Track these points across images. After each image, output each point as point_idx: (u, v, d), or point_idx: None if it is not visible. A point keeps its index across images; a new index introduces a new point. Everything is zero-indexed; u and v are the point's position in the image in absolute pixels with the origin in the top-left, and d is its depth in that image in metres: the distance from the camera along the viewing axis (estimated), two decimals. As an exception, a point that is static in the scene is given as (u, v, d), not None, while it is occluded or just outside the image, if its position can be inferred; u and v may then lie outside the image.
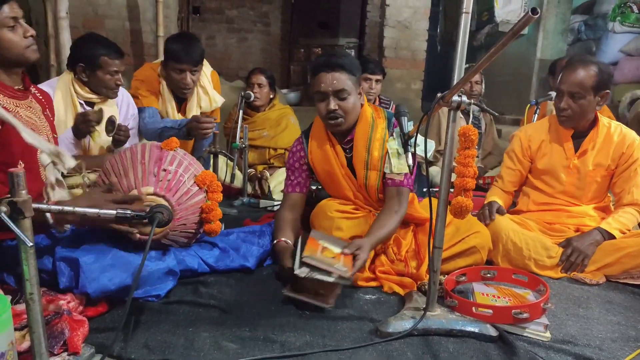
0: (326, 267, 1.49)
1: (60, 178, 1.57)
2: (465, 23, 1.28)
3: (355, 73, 1.89)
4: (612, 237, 1.98)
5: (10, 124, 1.42)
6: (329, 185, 2.07)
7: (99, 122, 2.12)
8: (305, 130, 2.12)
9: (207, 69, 2.94)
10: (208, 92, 2.90)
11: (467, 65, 1.37)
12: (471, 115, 3.37)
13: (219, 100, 2.97)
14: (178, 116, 2.81)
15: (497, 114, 1.74)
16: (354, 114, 1.91)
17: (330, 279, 1.48)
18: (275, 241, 1.83)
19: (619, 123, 2.19)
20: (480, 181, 3.14)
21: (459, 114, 1.41)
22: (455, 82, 1.32)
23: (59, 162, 1.55)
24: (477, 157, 3.42)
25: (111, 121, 2.14)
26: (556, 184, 2.20)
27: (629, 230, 2.01)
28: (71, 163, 1.55)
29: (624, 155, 2.09)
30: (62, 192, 1.61)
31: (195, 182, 1.66)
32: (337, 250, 1.62)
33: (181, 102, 2.87)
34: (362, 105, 1.96)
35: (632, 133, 2.13)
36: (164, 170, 1.61)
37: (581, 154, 2.14)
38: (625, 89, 4.32)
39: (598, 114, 2.15)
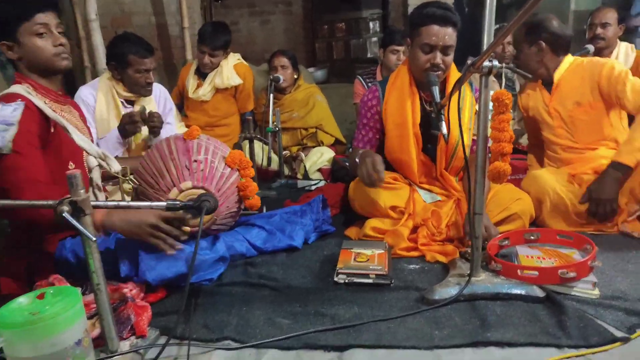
0: (361, 272, 1.57)
1: (101, 185, 1.67)
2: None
3: (459, 28, 1.93)
4: (629, 167, 1.90)
5: (63, 126, 1.52)
6: (395, 142, 2.05)
7: (145, 121, 2.21)
8: (381, 81, 2.16)
9: (232, 59, 3.43)
10: (222, 73, 3.36)
11: (498, 25, 1.35)
12: (504, 79, 3.29)
13: (232, 80, 3.37)
14: (194, 93, 3.35)
15: (530, 76, 1.71)
16: (450, 67, 1.96)
17: (369, 280, 1.56)
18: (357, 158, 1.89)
19: (599, 58, 2.20)
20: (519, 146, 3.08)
21: (492, 77, 1.40)
22: (485, 47, 1.31)
23: (106, 165, 1.65)
24: (514, 119, 3.34)
25: (142, 111, 2.22)
26: (549, 131, 2.27)
27: None
28: (117, 167, 1.65)
29: (602, 83, 2.06)
30: (102, 196, 1.71)
31: (226, 164, 1.72)
32: (369, 252, 1.71)
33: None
34: None
35: (603, 61, 2.10)
36: (195, 161, 1.66)
37: (552, 97, 2.21)
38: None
39: (569, 58, 2.19)
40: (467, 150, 1.91)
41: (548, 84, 2.25)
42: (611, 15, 2.97)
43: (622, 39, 3.10)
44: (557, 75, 2.19)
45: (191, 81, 3.39)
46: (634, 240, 1.85)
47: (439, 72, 1.89)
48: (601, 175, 1.94)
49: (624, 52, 3.03)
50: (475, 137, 1.88)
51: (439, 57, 1.88)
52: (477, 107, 1.91)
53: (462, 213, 1.93)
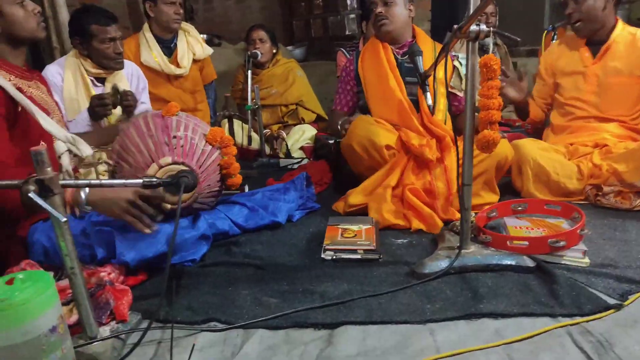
0: (349, 247, 1.53)
1: (71, 172, 1.55)
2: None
3: None
4: None
5: (29, 109, 1.42)
6: (376, 89, 2.18)
7: (115, 105, 2.08)
8: (359, 51, 2.39)
9: (186, 26, 3.05)
10: (199, 41, 3.05)
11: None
12: (491, 49, 3.25)
13: (208, 49, 3.10)
14: (172, 67, 2.86)
15: (518, 39, 1.68)
16: (400, 21, 2.16)
17: (357, 256, 1.52)
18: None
19: None
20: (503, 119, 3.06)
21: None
22: (471, 11, 1.26)
23: (76, 150, 1.54)
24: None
25: (115, 89, 2.11)
26: (576, 95, 2.14)
27: None
28: (88, 151, 1.55)
29: None
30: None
31: (206, 141, 1.66)
32: (356, 227, 1.67)
33: (171, 53, 2.91)
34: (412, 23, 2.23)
35: None
36: (175, 137, 1.60)
37: (598, 59, 2.08)
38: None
39: (620, 21, 2.07)
40: (445, 99, 2.08)
41: (593, 44, 2.10)
42: None
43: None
44: (612, 37, 2.04)
45: (155, 56, 2.82)
46: (619, 210, 1.84)
47: (385, 21, 2.11)
48: None
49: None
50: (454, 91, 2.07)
51: (379, 8, 2.13)
52: (455, 63, 2.08)
53: (449, 182, 1.88)
